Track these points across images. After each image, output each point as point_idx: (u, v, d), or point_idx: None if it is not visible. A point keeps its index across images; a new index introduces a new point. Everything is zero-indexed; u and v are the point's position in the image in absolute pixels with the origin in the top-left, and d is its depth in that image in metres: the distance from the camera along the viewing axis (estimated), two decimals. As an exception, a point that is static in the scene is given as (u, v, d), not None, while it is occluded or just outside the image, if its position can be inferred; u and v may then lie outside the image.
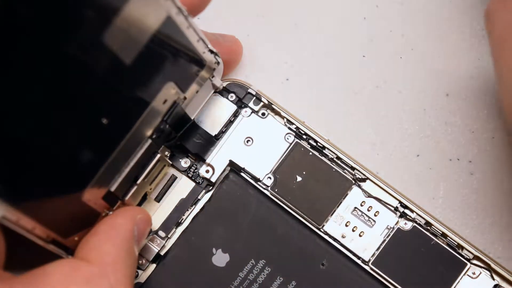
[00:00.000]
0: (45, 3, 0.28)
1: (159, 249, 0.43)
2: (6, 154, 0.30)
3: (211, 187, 0.44)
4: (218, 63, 0.43)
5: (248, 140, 0.45)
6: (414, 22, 0.50)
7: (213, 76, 0.43)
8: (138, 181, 0.41)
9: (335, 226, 0.43)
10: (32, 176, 0.32)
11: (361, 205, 0.43)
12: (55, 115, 0.32)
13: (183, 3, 0.37)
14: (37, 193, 0.33)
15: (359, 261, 0.42)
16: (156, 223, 0.44)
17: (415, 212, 0.43)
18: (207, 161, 0.45)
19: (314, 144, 0.44)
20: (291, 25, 0.50)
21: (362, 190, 0.43)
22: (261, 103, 0.45)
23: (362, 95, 0.48)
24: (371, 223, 0.43)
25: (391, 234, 0.42)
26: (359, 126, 0.47)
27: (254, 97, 0.45)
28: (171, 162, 0.44)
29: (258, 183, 0.44)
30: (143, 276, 0.43)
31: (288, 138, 0.44)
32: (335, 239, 0.43)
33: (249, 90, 0.45)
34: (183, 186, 0.44)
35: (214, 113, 0.45)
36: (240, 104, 0.45)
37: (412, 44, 0.49)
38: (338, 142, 0.45)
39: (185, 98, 0.41)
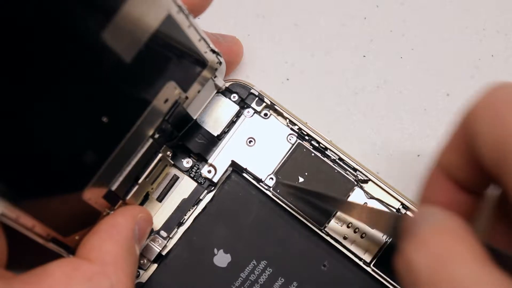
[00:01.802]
0: (45, 1, 0.28)
1: (160, 249, 0.43)
2: (5, 152, 0.30)
3: (213, 188, 0.44)
4: (220, 63, 0.43)
5: (251, 141, 0.45)
6: (414, 22, 0.50)
7: (215, 76, 0.43)
8: (140, 181, 0.41)
9: (337, 227, 0.43)
10: (31, 174, 0.32)
11: (363, 207, 0.43)
12: (54, 113, 0.32)
13: (184, 2, 0.37)
14: (36, 191, 0.33)
15: (360, 263, 0.42)
16: (158, 223, 0.44)
17: (417, 214, 0.43)
18: (209, 161, 0.45)
19: (317, 145, 0.44)
20: (291, 25, 0.50)
21: (364, 191, 0.43)
22: (264, 104, 0.45)
23: (362, 95, 0.48)
24: (373, 224, 0.43)
25: (393, 236, 0.43)
26: (359, 126, 0.47)
27: (257, 98, 0.45)
28: (173, 162, 0.44)
29: (260, 183, 0.44)
30: (145, 276, 0.43)
31: (290, 139, 0.44)
32: (336, 240, 0.43)
33: (252, 91, 0.45)
34: (185, 186, 0.44)
35: (217, 113, 0.45)
36: (243, 104, 0.45)
37: (412, 44, 0.49)
38: (338, 142, 0.45)
39: (186, 97, 0.41)
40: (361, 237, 0.43)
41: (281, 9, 0.51)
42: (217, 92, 0.45)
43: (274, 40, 0.50)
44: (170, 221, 0.44)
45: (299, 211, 0.43)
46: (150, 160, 0.41)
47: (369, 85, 0.48)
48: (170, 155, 0.43)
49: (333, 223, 0.43)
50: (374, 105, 0.48)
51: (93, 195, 0.37)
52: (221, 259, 0.43)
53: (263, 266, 0.42)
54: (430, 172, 0.38)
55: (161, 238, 0.43)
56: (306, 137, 0.44)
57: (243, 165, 0.44)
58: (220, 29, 0.48)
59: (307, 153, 0.44)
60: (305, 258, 0.43)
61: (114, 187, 0.39)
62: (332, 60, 0.49)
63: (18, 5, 0.27)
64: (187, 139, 0.44)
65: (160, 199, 0.44)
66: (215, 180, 0.44)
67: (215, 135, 0.45)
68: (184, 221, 0.44)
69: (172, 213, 0.44)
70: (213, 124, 0.45)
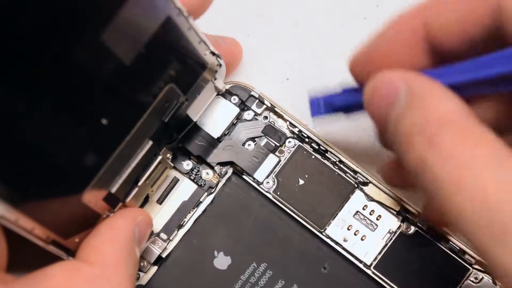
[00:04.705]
0: (44, 3, 0.28)
1: (160, 251, 0.43)
2: (5, 154, 0.30)
3: (213, 190, 0.44)
4: (220, 65, 0.43)
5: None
6: (414, 22, 0.50)
7: (215, 79, 0.43)
8: (139, 183, 0.41)
9: (337, 230, 0.43)
10: (31, 176, 0.32)
11: (363, 209, 0.43)
12: (54, 115, 0.32)
13: (184, 4, 0.37)
14: (36, 193, 0.33)
15: (361, 265, 0.42)
16: (158, 225, 0.43)
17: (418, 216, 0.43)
18: (210, 163, 0.45)
19: (317, 147, 0.44)
20: (291, 25, 0.50)
21: (365, 193, 0.43)
22: (264, 106, 0.45)
23: (362, 95, 0.48)
24: (373, 227, 0.43)
25: (393, 238, 0.42)
26: (360, 127, 0.47)
27: (257, 100, 0.45)
28: (173, 165, 0.44)
29: (260, 186, 0.44)
30: (145, 278, 0.43)
31: (290, 141, 0.45)
32: (337, 243, 0.43)
33: (252, 93, 0.45)
34: (185, 188, 0.44)
35: (217, 116, 0.45)
36: (243, 106, 0.45)
37: (412, 45, 0.49)
38: (338, 143, 0.45)
39: (186, 100, 0.41)
40: (361, 239, 0.43)
41: (281, 9, 0.50)
42: (217, 94, 0.45)
43: (274, 40, 0.50)
44: (170, 223, 0.44)
45: (299, 214, 0.43)
46: (150, 163, 0.41)
47: (369, 86, 0.48)
48: (170, 157, 0.43)
49: (333, 226, 0.43)
50: (374, 106, 0.48)
51: (93, 198, 0.37)
52: (221, 261, 0.43)
53: (263, 268, 0.42)
54: (402, 19, 0.36)
55: (161, 241, 0.43)
56: (306, 139, 0.44)
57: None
58: (220, 29, 0.48)
59: (307, 156, 0.44)
60: (305, 260, 0.43)
61: (114, 190, 0.39)
62: (332, 60, 0.49)
63: (18, 7, 0.27)
64: (187, 141, 0.44)
65: (160, 201, 0.44)
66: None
67: (215, 137, 0.45)
68: (184, 224, 0.44)
69: (172, 215, 0.44)
70: (213, 126, 0.45)
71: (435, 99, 0.30)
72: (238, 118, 0.45)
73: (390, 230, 0.43)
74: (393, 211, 0.43)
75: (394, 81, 0.33)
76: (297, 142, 0.44)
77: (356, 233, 0.43)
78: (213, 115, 0.45)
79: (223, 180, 0.45)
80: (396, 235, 0.43)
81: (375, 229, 0.43)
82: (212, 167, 0.45)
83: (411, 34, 0.35)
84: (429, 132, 0.30)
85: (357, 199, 0.43)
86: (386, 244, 0.43)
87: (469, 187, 0.28)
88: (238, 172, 0.45)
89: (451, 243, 0.42)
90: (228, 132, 0.45)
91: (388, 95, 0.32)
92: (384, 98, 0.33)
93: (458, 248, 0.42)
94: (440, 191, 0.29)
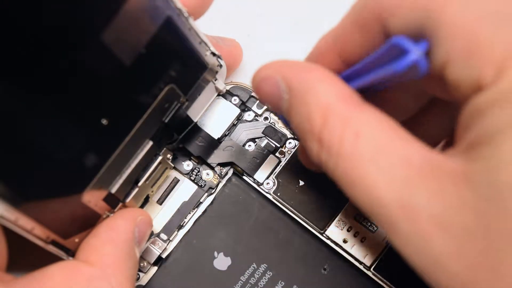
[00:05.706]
0: (44, 4, 0.28)
1: (160, 251, 0.43)
2: (5, 154, 0.30)
3: (213, 190, 0.44)
4: (220, 66, 0.43)
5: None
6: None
7: (216, 79, 0.43)
8: (140, 184, 0.41)
9: (337, 231, 0.43)
10: (30, 176, 0.32)
11: (364, 210, 0.43)
12: (55, 115, 0.32)
13: (184, 5, 0.37)
14: (36, 193, 0.33)
15: (361, 267, 0.42)
16: (158, 225, 0.43)
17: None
18: (210, 164, 0.45)
19: (317, 148, 0.44)
20: (292, 24, 0.50)
21: (365, 195, 0.43)
22: (265, 107, 0.45)
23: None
24: (373, 228, 0.43)
25: (394, 240, 0.42)
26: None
27: (258, 101, 0.45)
28: (173, 165, 0.44)
29: (261, 186, 0.44)
30: (145, 278, 0.43)
31: (290, 142, 0.45)
32: (337, 244, 0.43)
33: (253, 94, 0.45)
34: (185, 189, 0.44)
35: (218, 116, 0.45)
36: (244, 107, 0.45)
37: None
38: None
39: (187, 100, 0.41)
40: (361, 240, 0.43)
41: (281, 9, 0.50)
42: (218, 95, 0.45)
43: (273, 40, 0.50)
44: (170, 224, 0.44)
45: (299, 215, 0.43)
46: (150, 163, 0.41)
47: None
48: (170, 157, 0.43)
49: (333, 227, 0.43)
50: (374, 107, 0.48)
51: (93, 198, 0.37)
52: (221, 262, 0.43)
53: (263, 269, 0.42)
54: (320, 43, 0.36)
55: (161, 241, 0.43)
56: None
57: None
58: (220, 29, 0.48)
59: (307, 157, 0.44)
60: (305, 261, 0.43)
61: (114, 190, 0.39)
62: (332, 61, 0.49)
63: (18, 7, 0.27)
64: (188, 141, 0.44)
65: (161, 201, 0.44)
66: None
67: (216, 138, 0.45)
68: (184, 224, 0.44)
69: (172, 216, 0.44)
70: (214, 127, 0.45)
71: (315, 91, 0.30)
72: (239, 118, 0.45)
73: (390, 231, 0.43)
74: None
75: (273, 76, 0.32)
76: (298, 143, 0.44)
77: (356, 234, 0.43)
78: (214, 115, 0.45)
79: (224, 181, 0.45)
80: (397, 236, 0.42)
81: (375, 230, 0.43)
82: (212, 168, 0.45)
83: (332, 62, 0.35)
84: (315, 131, 0.29)
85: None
86: (386, 246, 0.43)
87: (357, 185, 0.28)
88: (239, 172, 0.45)
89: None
90: (228, 133, 0.45)
91: (273, 91, 0.32)
92: (271, 95, 0.32)
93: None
94: (340, 185, 0.29)
